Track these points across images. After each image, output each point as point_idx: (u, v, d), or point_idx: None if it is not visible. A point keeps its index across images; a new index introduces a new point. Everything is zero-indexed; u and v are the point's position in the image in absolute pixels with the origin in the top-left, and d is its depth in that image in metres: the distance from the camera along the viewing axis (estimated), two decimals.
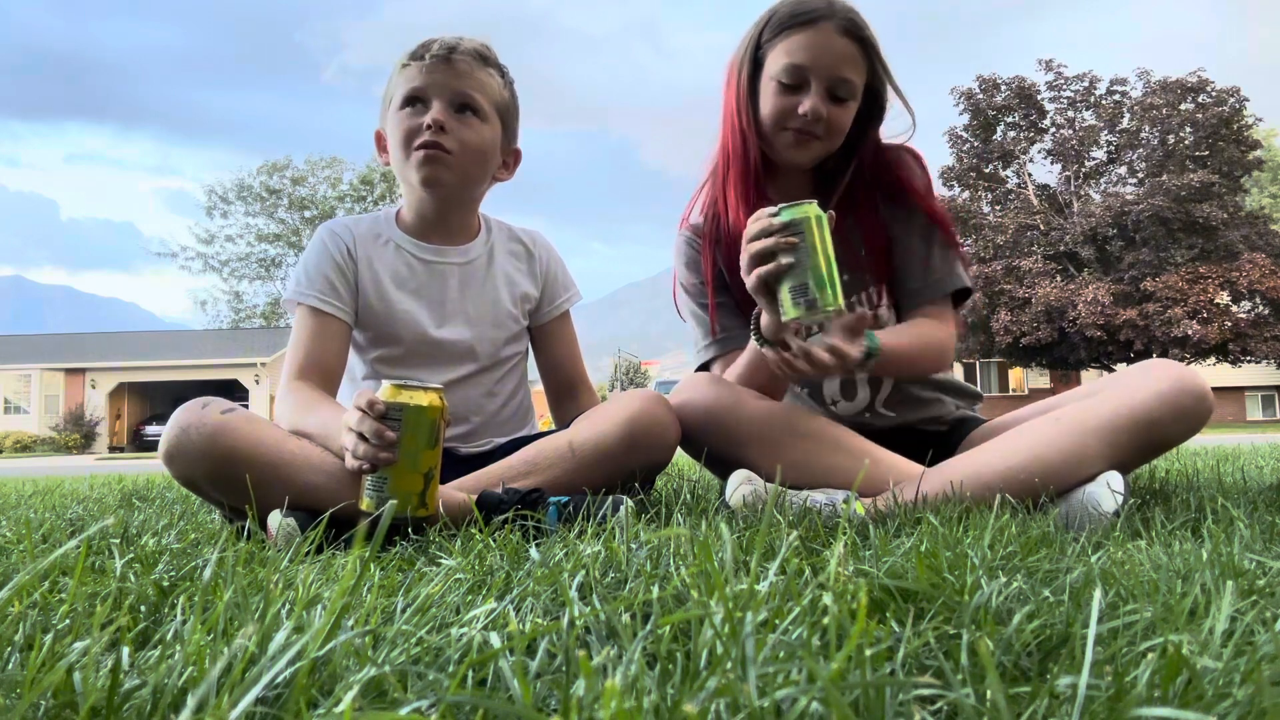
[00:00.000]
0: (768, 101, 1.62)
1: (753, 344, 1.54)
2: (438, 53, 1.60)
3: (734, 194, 1.69)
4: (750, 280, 1.37)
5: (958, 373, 1.87)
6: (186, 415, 1.33)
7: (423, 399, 1.26)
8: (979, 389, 1.94)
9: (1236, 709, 0.48)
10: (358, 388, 1.70)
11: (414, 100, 1.61)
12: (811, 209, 1.35)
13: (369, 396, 1.26)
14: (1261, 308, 24.21)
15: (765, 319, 1.46)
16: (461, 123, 1.61)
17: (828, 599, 0.61)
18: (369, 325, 1.68)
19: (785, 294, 1.35)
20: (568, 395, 1.85)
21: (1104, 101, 26.80)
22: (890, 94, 1.68)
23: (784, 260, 1.34)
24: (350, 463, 1.27)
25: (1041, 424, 1.44)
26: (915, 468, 1.48)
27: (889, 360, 1.50)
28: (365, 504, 1.27)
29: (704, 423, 1.55)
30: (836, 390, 1.76)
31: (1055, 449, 1.38)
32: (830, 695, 0.42)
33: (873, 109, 1.67)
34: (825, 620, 0.58)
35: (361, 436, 1.24)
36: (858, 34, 1.58)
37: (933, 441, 1.70)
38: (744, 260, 1.39)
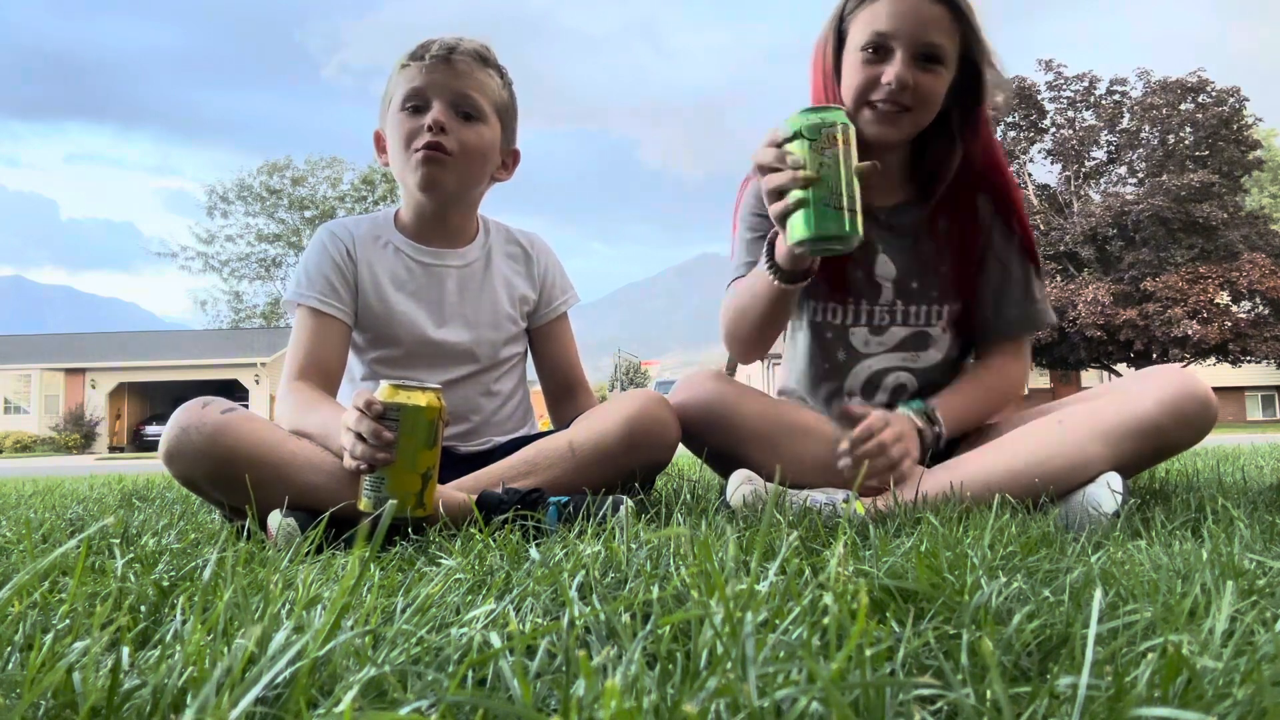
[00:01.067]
0: (852, 75, 1.51)
1: (759, 270, 1.44)
2: (437, 53, 1.59)
3: None
4: (772, 213, 1.29)
5: None
6: (186, 415, 1.33)
7: (420, 399, 1.25)
8: None
9: (1236, 709, 0.48)
10: (357, 388, 1.70)
11: (414, 101, 1.60)
12: (838, 115, 1.24)
13: (367, 397, 1.26)
14: (1261, 308, 24.21)
15: (779, 244, 1.38)
16: (461, 124, 1.61)
17: (828, 599, 0.61)
18: (368, 326, 1.68)
19: (796, 218, 1.23)
20: (566, 397, 1.85)
21: (1104, 101, 26.80)
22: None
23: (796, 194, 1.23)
24: (348, 462, 1.27)
25: (1044, 427, 1.44)
26: (917, 467, 1.48)
27: (956, 430, 1.54)
28: (363, 504, 1.27)
29: (704, 420, 1.55)
30: (859, 386, 1.69)
31: (1057, 453, 1.38)
32: (830, 695, 0.42)
33: (973, 85, 1.55)
34: (825, 620, 0.58)
35: (359, 436, 1.24)
36: None
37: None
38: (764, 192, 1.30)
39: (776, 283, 1.41)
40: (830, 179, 1.21)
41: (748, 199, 1.69)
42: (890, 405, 1.65)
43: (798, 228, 1.23)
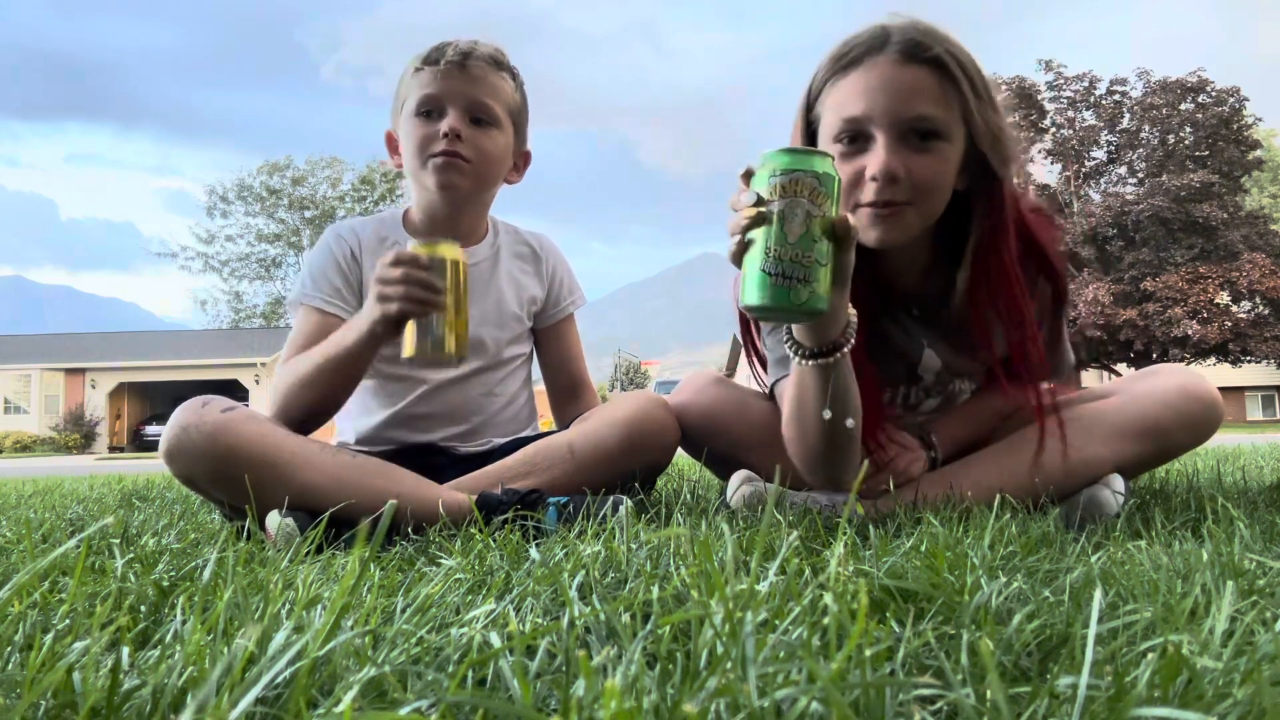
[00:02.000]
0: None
1: (788, 356, 1.23)
2: (452, 59, 1.59)
3: None
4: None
5: None
6: (187, 414, 1.33)
7: (454, 252, 1.33)
8: None
9: (1236, 709, 0.48)
10: (363, 400, 1.71)
11: (428, 106, 1.61)
12: (818, 163, 1.04)
13: (404, 253, 1.31)
14: (1261, 308, 24.23)
15: (796, 330, 1.19)
16: (477, 130, 1.62)
17: (828, 599, 0.61)
18: None
19: (748, 275, 1.05)
20: (569, 397, 1.85)
21: (1104, 101, 26.82)
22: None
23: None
24: (393, 311, 1.30)
25: (1047, 429, 1.42)
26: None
27: (952, 451, 1.47)
28: (411, 350, 1.31)
29: (705, 424, 1.55)
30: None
31: (1059, 455, 1.37)
32: (830, 695, 0.42)
33: (987, 153, 1.27)
34: (825, 620, 0.58)
35: (414, 284, 1.29)
36: (927, 55, 1.22)
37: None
38: None
39: (807, 364, 1.19)
40: (787, 235, 1.02)
41: None
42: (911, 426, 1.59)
43: (748, 288, 1.05)
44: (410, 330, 1.32)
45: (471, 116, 1.61)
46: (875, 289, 1.37)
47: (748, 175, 1.06)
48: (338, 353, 1.42)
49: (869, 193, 1.23)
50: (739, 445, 1.53)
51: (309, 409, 1.47)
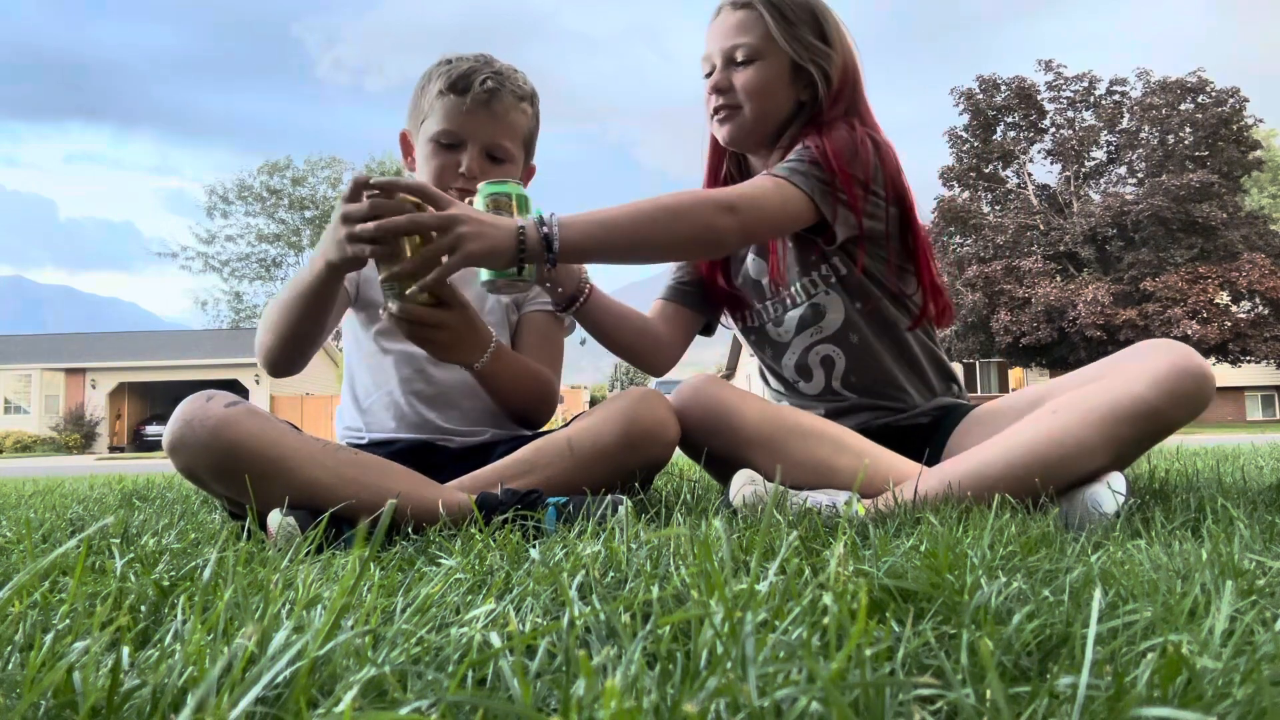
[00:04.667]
0: (705, 101, 1.73)
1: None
2: (478, 96, 1.62)
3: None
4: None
5: (957, 371, 1.85)
6: (190, 408, 1.33)
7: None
8: (977, 388, 1.90)
9: (1236, 709, 0.48)
10: (364, 365, 1.72)
11: (449, 140, 1.64)
12: (511, 188, 1.41)
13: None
14: (1261, 308, 24.22)
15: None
16: (491, 167, 1.65)
17: (828, 599, 0.61)
18: (369, 304, 1.71)
19: None
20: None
21: (1104, 102, 26.82)
22: (837, 51, 1.65)
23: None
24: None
25: (1038, 418, 1.42)
26: (916, 467, 1.48)
27: (575, 229, 1.33)
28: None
29: (705, 423, 1.55)
30: (794, 372, 1.79)
31: (1054, 444, 1.36)
32: (830, 695, 0.42)
33: (804, 64, 1.65)
34: (825, 620, 0.58)
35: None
36: (743, 3, 1.65)
37: (919, 435, 1.69)
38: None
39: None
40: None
41: None
42: (828, 380, 1.75)
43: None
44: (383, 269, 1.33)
45: (488, 155, 1.65)
46: None
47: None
48: (297, 288, 1.44)
49: (711, 103, 1.70)
50: (738, 445, 1.53)
51: (285, 337, 1.48)
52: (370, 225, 1.24)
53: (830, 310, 1.72)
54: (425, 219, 1.25)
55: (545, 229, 1.31)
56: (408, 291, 1.30)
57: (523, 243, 1.29)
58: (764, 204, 1.49)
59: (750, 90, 1.65)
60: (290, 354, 1.52)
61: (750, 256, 1.80)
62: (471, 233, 1.25)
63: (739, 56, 1.65)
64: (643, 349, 1.79)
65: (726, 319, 1.94)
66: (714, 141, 1.80)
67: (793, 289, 1.74)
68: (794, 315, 1.75)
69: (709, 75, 1.70)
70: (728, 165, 1.84)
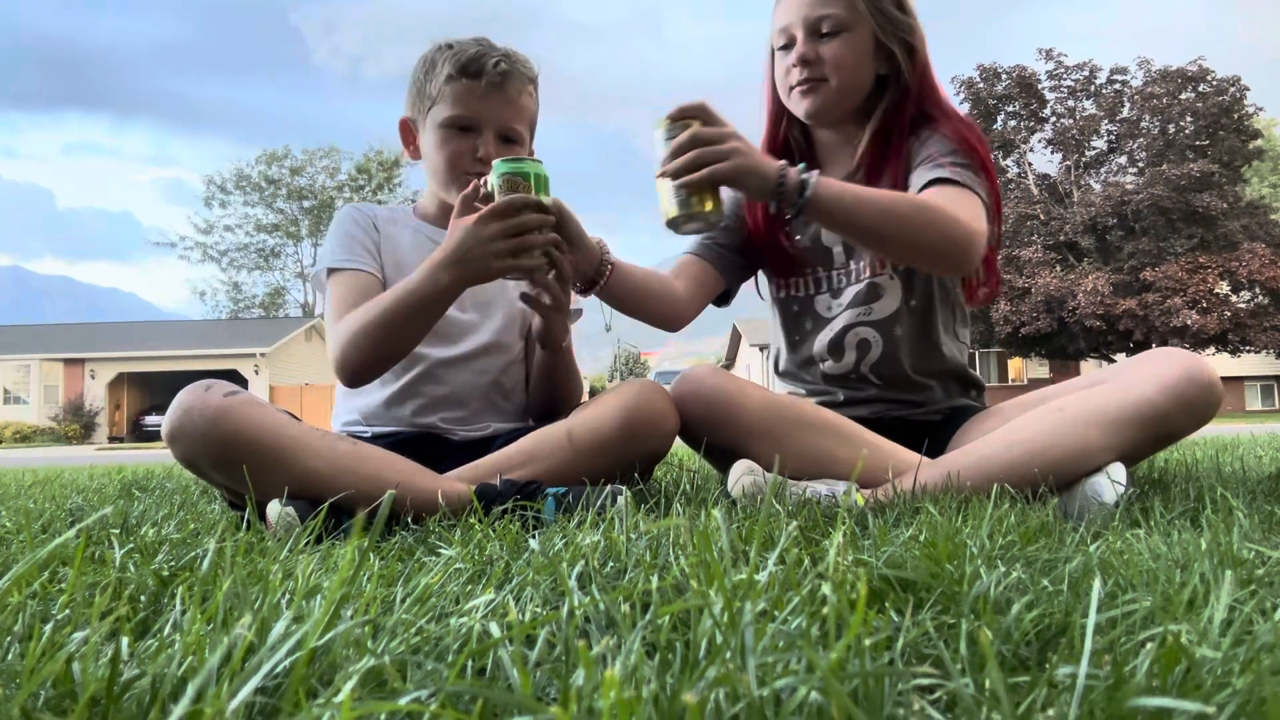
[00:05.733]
0: (778, 75, 1.69)
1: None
2: (493, 79, 1.60)
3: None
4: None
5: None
6: (190, 397, 1.33)
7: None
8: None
9: (1235, 698, 0.48)
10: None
11: (464, 124, 1.63)
12: (532, 166, 1.42)
13: (515, 200, 1.39)
14: (1261, 298, 24.21)
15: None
16: (506, 151, 1.64)
17: (827, 589, 0.61)
18: None
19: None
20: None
21: (1104, 91, 26.72)
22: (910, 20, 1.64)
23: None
24: (540, 260, 1.42)
25: (1044, 415, 1.42)
26: (916, 458, 1.48)
27: (833, 202, 1.39)
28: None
29: (705, 414, 1.55)
30: (825, 349, 1.76)
31: (1057, 441, 1.36)
32: (829, 685, 0.42)
33: (888, 39, 1.64)
34: (824, 610, 0.58)
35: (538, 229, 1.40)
36: None
37: (927, 431, 1.70)
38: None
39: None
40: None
41: None
42: (857, 364, 1.74)
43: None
44: None
45: (502, 137, 1.65)
46: None
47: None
48: (414, 301, 1.45)
49: (794, 76, 1.65)
50: (738, 435, 1.53)
51: (385, 353, 1.52)
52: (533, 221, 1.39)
53: (886, 295, 1.72)
54: (706, 133, 1.35)
55: (804, 176, 1.39)
56: (680, 182, 1.36)
57: (783, 179, 1.38)
58: (984, 226, 1.51)
59: (838, 63, 1.62)
60: (387, 364, 1.56)
61: None
62: (745, 149, 1.37)
63: (825, 28, 1.61)
64: (660, 312, 1.75)
65: (755, 284, 1.91)
66: (775, 113, 1.76)
67: (863, 261, 1.72)
68: (854, 289, 1.74)
69: (783, 47, 1.66)
70: (793, 136, 1.79)
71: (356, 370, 1.53)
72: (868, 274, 1.72)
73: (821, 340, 1.77)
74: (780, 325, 1.87)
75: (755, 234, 1.81)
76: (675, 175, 1.35)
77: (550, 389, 1.73)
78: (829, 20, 1.60)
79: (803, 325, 1.81)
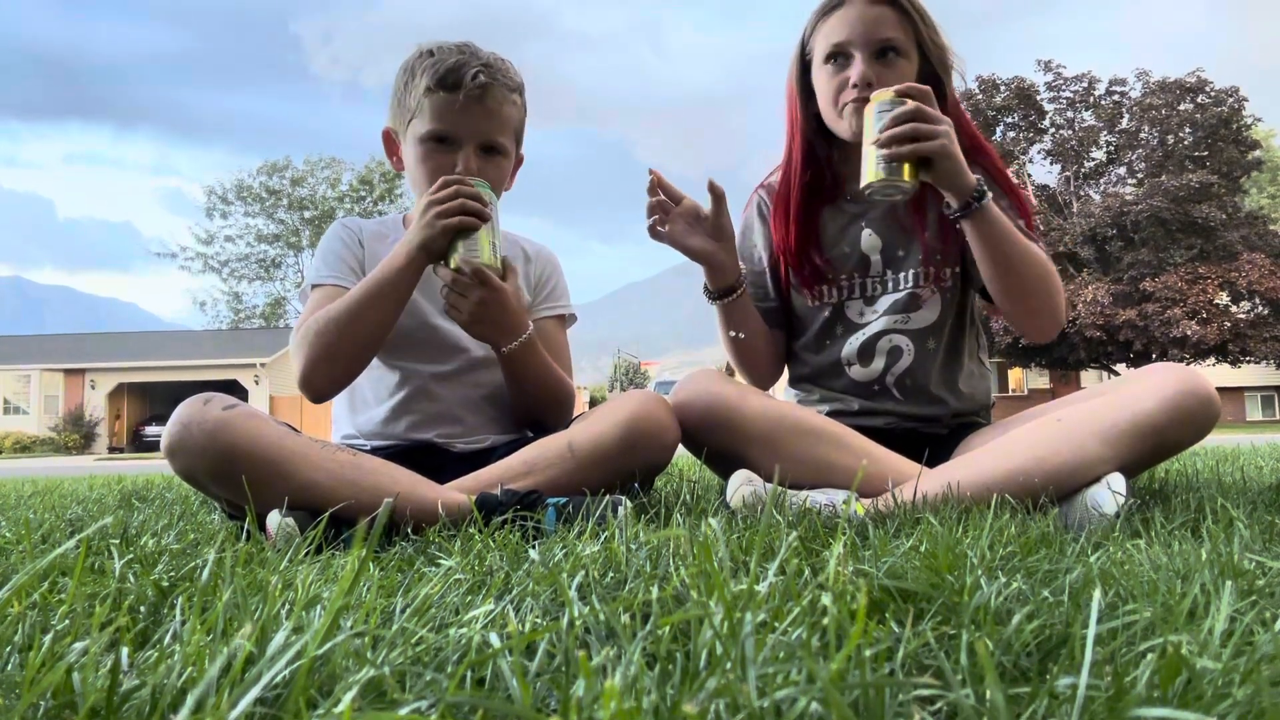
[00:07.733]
0: (822, 88, 1.69)
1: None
2: (471, 92, 1.56)
3: (780, 202, 1.83)
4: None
5: None
6: (188, 411, 1.33)
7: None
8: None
9: (1236, 709, 0.48)
10: (355, 401, 1.74)
11: (443, 136, 1.60)
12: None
13: (450, 176, 1.50)
14: (1261, 308, 24.22)
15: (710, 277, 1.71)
16: (486, 162, 1.63)
17: (827, 599, 0.61)
18: None
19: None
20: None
21: (1103, 102, 26.82)
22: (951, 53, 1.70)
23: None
24: (456, 222, 1.46)
25: (1043, 427, 1.43)
26: (916, 468, 1.48)
27: (994, 220, 1.49)
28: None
29: (705, 421, 1.55)
30: (855, 353, 1.77)
31: (1056, 453, 1.37)
32: (830, 695, 0.42)
33: (937, 68, 1.69)
34: (825, 620, 0.58)
35: (466, 198, 1.47)
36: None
37: (930, 441, 1.70)
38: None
39: (713, 302, 1.74)
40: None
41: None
42: (884, 372, 1.76)
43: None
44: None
45: (484, 149, 1.63)
46: (821, 185, 1.79)
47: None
48: (376, 284, 1.49)
49: (850, 94, 1.64)
50: (739, 439, 1.53)
51: (344, 349, 1.52)
52: (452, 195, 1.48)
53: (926, 307, 1.74)
54: (928, 112, 1.41)
55: (983, 185, 1.49)
56: (883, 155, 1.41)
57: (974, 176, 1.48)
58: None
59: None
60: (351, 371, 1.57)
61: (866, 231, 1.78)
62: (953, 137, 1.43)
63: (888, 51, 1.63)
64: (768, 360, 1.85)
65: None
66: (804, 127, 1.77)
67: (906, 272, 1.75)
68: (890, 298, 1.75)
69: (833, 60, 1.67)
70: (824, 150, 1.79)
71: (321, 381, 1.53)
72: (910, 284, 1.74)
73: (852, 344, 1.77)
74: (802, 332, 1.86)
75: (783, 253, 1.82)
76: (890, 143, 1.41)
77: (519, 395, 1.69)
78: (892, 43, 1.63)
79: (833, 330, 1.81)
